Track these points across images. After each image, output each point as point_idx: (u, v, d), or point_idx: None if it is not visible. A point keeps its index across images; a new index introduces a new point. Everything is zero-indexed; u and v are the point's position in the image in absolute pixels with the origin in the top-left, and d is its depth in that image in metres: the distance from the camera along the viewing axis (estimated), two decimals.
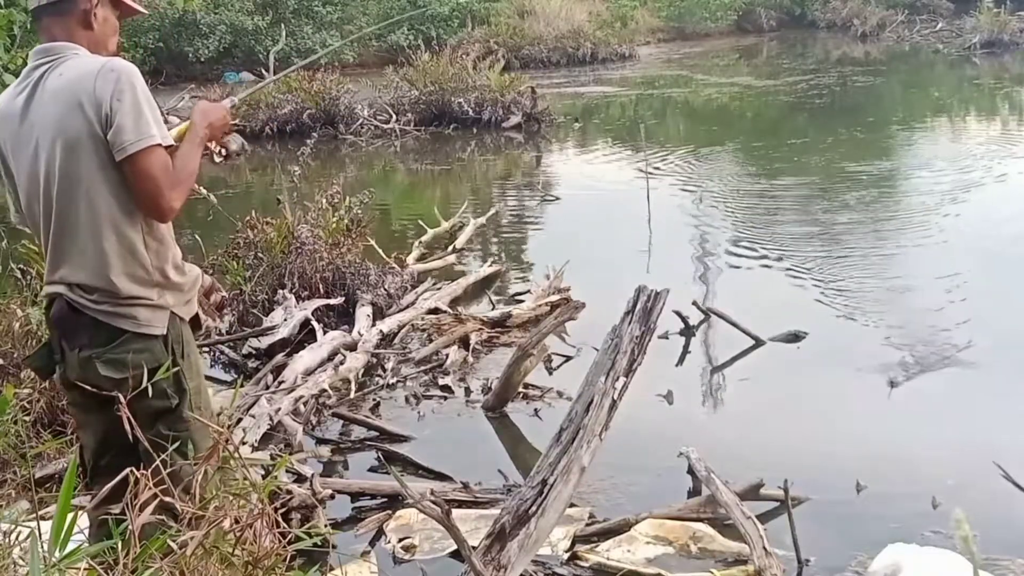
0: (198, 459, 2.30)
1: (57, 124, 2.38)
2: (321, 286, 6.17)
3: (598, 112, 16.67)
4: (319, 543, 3.03)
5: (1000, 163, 10.35)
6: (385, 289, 6.33)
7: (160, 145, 2.37)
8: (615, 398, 3.13)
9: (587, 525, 3.67)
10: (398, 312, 6.09)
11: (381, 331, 5.68)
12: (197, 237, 6.85)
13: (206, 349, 5.80)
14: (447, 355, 5.46)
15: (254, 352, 5.64)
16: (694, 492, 3.88)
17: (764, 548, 3.26)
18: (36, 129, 2.43)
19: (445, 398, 5.07)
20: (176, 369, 2.44)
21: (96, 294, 2.41)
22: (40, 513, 2.30)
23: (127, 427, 2.16)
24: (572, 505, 3.42)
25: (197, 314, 2.61)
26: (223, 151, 2.82)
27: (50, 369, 2.56)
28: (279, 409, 4.54)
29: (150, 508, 2.00)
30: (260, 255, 6.22)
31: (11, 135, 2.50)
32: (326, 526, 3.44)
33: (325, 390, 4.92)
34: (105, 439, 2.50)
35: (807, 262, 7.31)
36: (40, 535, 1.84)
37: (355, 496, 4.00)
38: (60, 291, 2.45)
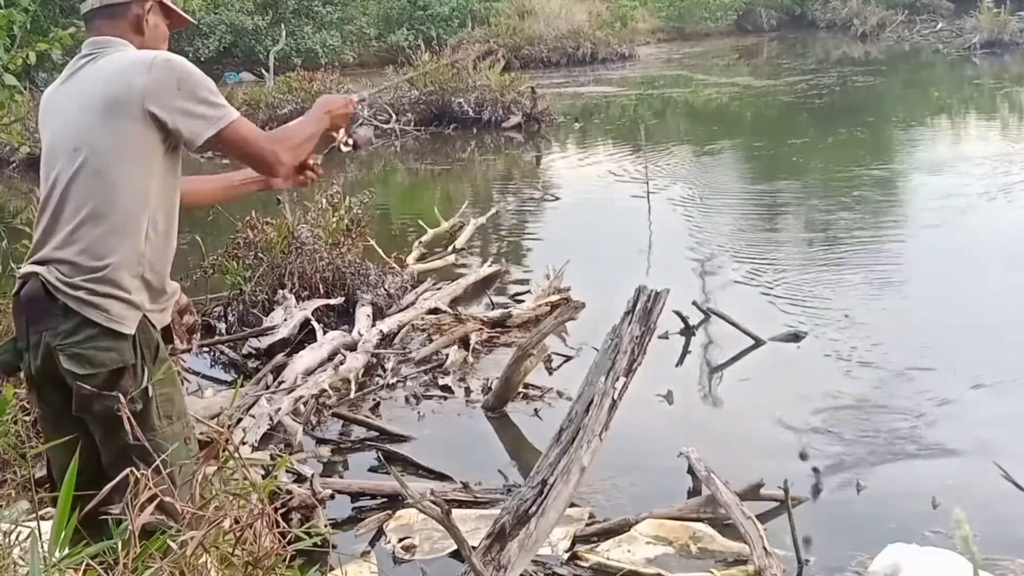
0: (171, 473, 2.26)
1: (103, 103, 2.40)
2: (321, 286, 6.17)
3: (598, 112, 16.67)
4: (319, 543, 3.03)
5: None
6: (385, 289, 6.33)
7: (240, 117, 2.47)
8: (615, 398, 3.13)
9: (587, 525, 3.67)
10: (398, 312, 6.09)
11: (381, 331, 5.68)
12: (197, 237, 6.85)
13: (206, 349, 5.80)
14: (447, 355, 5.46)
15: (254, 352, 5.64)
16: (694, 492, 3.88)
17: (764, 548, 3.25)
18: (75, 107, 2.45)
19: (445, 398, 5.07)
20: (146, 384, 2.38)
21: (79, 276, 2.36)
22: (40, 513, 2.30)
23: (127, 426, 2.15)
24: (572, 505, 3.42)
25: (170, 327, 2.57)
26: (349, 140, 2.89)
27: (16, 363, 2.50)
28: (279, 409, 4.54)
29: (149, 508, 2.00)
30: (260, 255, 6.22)
31: (50, 114, 2.55)
32: (326, 526, 3.44)
33: (325, 390, 4.92)
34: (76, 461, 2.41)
35: (808, 261, 7.32)
36: (40, 535, 1.84)
37: (355, 496, 4.00)
38: (38, 271, 2.40)
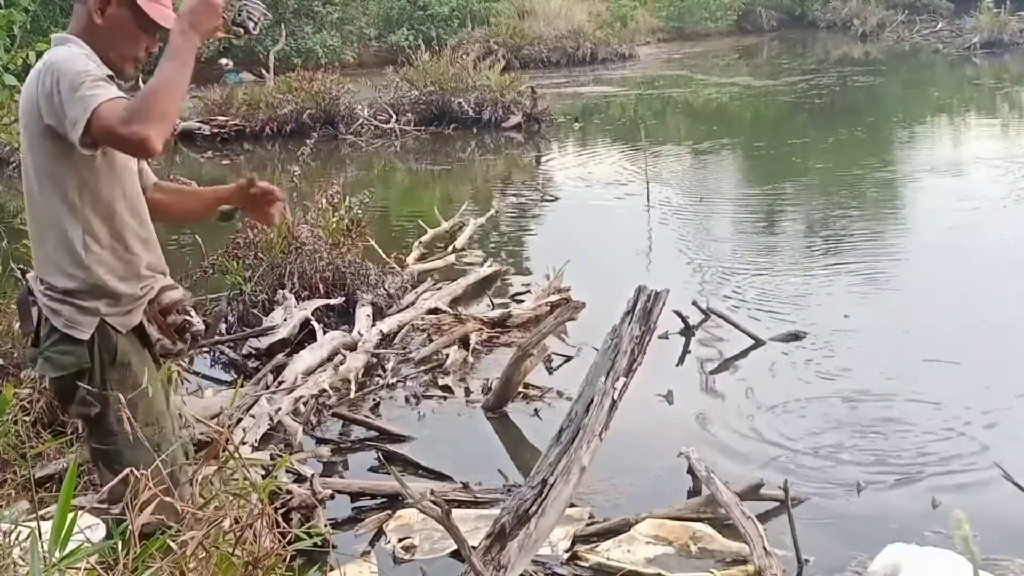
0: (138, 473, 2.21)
1: (23, 125, 2.43)
2: (321, 286, 6.17)
3: (598, 112, 16.66)
4: (319, 543, 3.03)
5: None
6: (385, 289, 6.33)
7: (102, 103, 2.21)
8: (615, 398, 3.13)
9: (587, 525, 3.67)
10: (398, 312, 6.09)
11: (381, 331, 5.68)
12: (197, 237, 6.85)
13: (206, 349, 5.80)
14: (447, 355, 5.46)
15: (254, 352, 5.63)
16: (694, 492, 3.88)
17: (764, 548, 3.26)
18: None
19: (445, 398, 5.07)
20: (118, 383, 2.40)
21: (43, 284, 2.44)
22: (40, 513, 2.30)
23: (83, 429, 2.17)
24: (572, 505, 3.42)
25: (143, 328, 2.49)
26: (239, 31, 2.44)
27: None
28: (279, 409, 4.54)
29: (150, 508, 2.00)
30: (260, 255, 6.21)
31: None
32: (326, 526, 3.44)
33: (325, 390, 4.92)
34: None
35: (809, 262, 7.32)
36: (40, 535, 1.84)
37: (355, 496, 4.00)
38: (28, 276, 2.52)
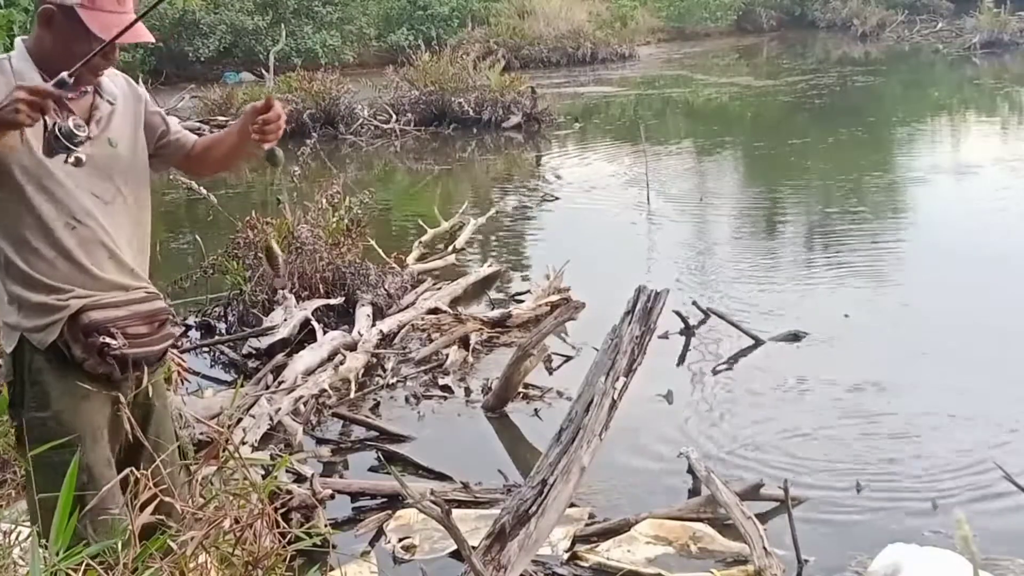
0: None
1: None
2: (321, 286, 6.17)
3: (598, 112, 16.66)
4: (319, 543, 3.03)
5: None
6: (385, 289, 6.33)
7: None
8: (615, 398, 3.13)
9: (587, 525, 3.67)
10: (398, 312, 6.09)
11: (381, 331, 5.68)
12: (197, 237, 6.85)
13: (206, 349, 5.80)
14: (447, 355, 5.46)
15: (254, 352, 5.64)
16: (694, 492, 3.88)
17: (764, 548, 3.26)
18: None
19: (445, 398, 5.07)
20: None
21: None
22: None
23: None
24: (572, 505, 3.42)
25: (59, 346, 2.37)
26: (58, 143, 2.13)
27: None
28: (279, 409, 4.54)
29: (148, 510, 2.00)
30: (260, 255, 6.22)
31: None
32: (326, 526, 3.44)
33: (325, 390, 4.92)
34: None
35: (809, 262, 7.32)
36: (40, 535, 1.84)
37: (355, 496, 4.01)
38: None
